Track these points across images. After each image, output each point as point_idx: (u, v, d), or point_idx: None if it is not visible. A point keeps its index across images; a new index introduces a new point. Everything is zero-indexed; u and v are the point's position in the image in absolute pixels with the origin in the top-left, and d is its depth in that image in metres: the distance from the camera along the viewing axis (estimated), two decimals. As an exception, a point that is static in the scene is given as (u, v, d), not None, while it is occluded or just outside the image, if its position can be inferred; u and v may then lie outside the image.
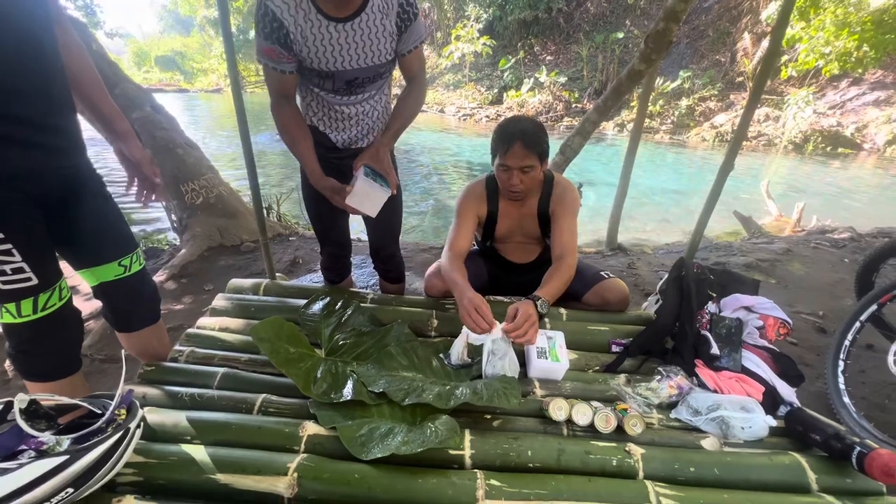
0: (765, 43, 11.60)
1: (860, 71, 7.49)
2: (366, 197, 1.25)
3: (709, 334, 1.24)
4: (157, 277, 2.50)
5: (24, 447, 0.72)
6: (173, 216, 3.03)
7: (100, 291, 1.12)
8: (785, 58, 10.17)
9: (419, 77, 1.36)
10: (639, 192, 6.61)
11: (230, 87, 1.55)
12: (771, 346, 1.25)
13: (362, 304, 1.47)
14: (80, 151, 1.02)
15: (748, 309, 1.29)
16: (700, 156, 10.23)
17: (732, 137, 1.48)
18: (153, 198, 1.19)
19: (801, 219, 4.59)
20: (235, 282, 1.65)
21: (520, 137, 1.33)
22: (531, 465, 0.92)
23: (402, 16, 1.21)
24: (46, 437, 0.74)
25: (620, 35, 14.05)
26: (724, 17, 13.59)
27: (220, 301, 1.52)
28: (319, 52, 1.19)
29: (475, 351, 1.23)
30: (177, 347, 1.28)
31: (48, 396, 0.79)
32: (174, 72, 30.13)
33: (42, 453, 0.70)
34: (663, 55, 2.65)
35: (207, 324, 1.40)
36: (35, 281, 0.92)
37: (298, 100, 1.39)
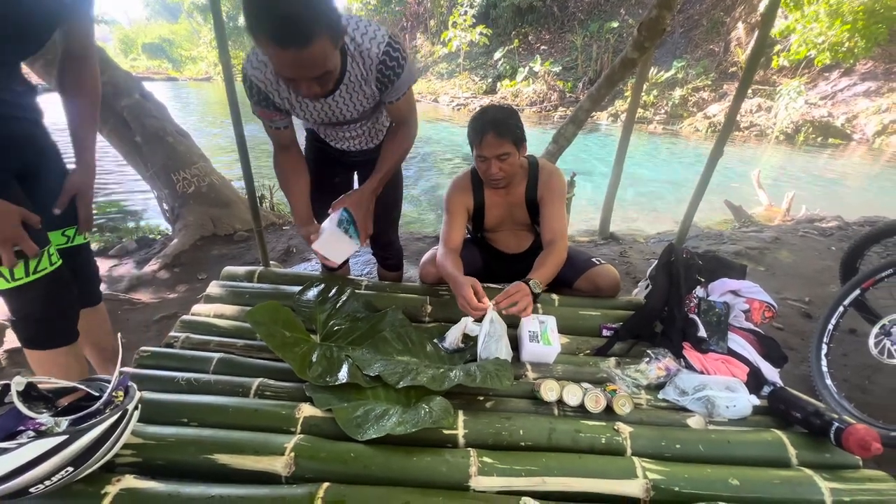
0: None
1: (851, 61, 7.54)
2: (332, 245, 1.27)
3: (697, 318, 1.27)
4: (150, 266, 2.49)
5: (22, 428, 0.73)
6: (165, 205, 3.00)
7: None
8: (778, 47, 10.19)
9: (409, 119, 1.33)
10: (632, 182, 6.64)
11: (220, 76, 1.54)
12: (756, 329, 1.29)
13: (357, 291, 1.48)
14: (41, 121, 1.08)
15: (735, 293, 1.32)
16: (693, 146, 10.28)
17: (722, 125, 1.50)
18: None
19: (791, 208, 4.65)
20: (229, 269, 1.65)
21: (491, 127, 1.34)
22: (523, 443, 0.94)
23: (383, 79, 1.17)
24: (45, 419, 0.74)
25: (615, 24, 13.99)
26: (719, 7, 13.57)
27: (214, 288, 1.52)
28: (304, 113, 1.25)
29: (470, 337, 1.26)
30: (172, 334, 1.28)
31: (45, 379, 0.80)
32: (162, 59, 29.54)
33: (41, 433, 0.71)
34: (656, 43, 2.65)
35: (202, 310, 1.41)
36: None
37: None
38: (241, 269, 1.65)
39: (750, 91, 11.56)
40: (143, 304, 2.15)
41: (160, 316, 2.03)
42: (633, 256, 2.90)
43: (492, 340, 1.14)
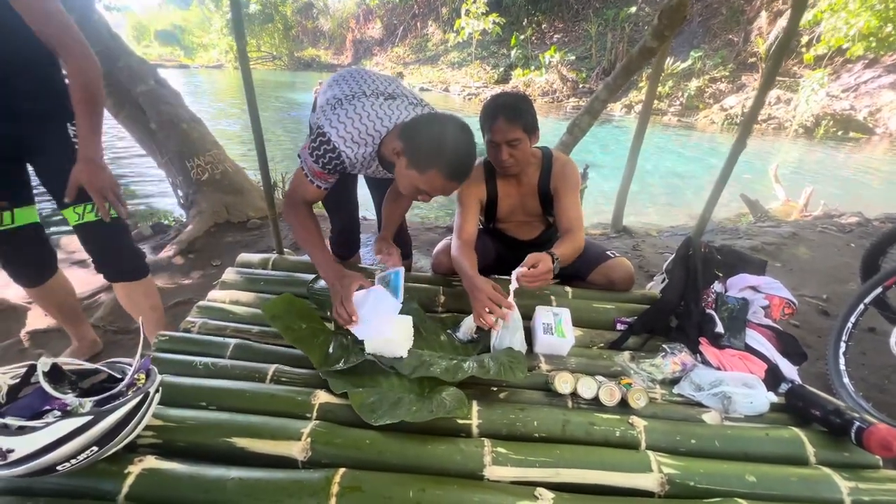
0: (781, 22, 11.26)
1: (881, 52, 7.24)
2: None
3: (714, 313, 1.26)
4: (165, 253, 2.53)
5: (48, 408, 0.75)
6: (179, 192, 3.03)
7: (76, 233, 1.29)
8: (804, 38, 9.86)
9: None
10: (645, 175, 6.54)
11: (231, 63, 1.55)
12: (775, 325, 1.27)
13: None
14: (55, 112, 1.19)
15: (754, 289, 1.30)
16: (708, 139, 10.08)
17: (745, 116, 1.46)
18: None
19: (809, 203, 4.55)
20: (244, 256, 1.67)
21: (502, 112, 1.33)
22: (537, 434, 0.94)
23: None
24: (70, 399, 0.76)
25: (633, 9, 13.62)
26: (739, -5, 13.17)
27: (229, 275, 1.54)
28: (357, 168, 1.27)
29: (483, 329, 1.26)
30: (189, 319, 1.30)
31: (69, 361, 0.82)
32: (174, 46, 29.59)
33: (67, 413, 0.73)
34: (676, 31, 2.59)
35: (218, 297, 1.42)
36: None
37: None
38: (255, 257, 1.66)
39: (769, 82, 11.25)
40: (159, 289, 2.18)
41: (175, 301, 2.06)
42: (645, 250, 2.87)
43: (507, 332, 1.14)
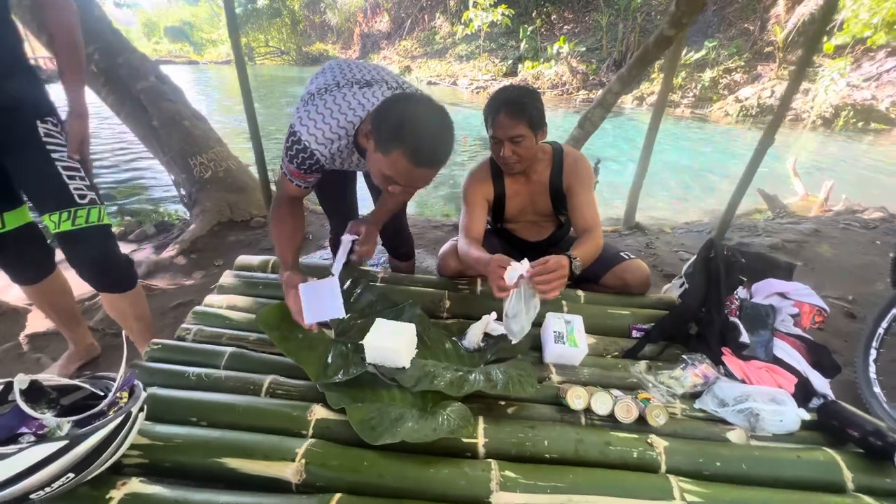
0: (800, 9, 10.90)
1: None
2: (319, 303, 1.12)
3: (738, 321, 1.17)
4: (168, 252, 2.49)
5: (24, 430, 0.70)
6: (182, 190, 2.99)
7: (57, 242, 1.25)
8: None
9: None
10: (657, 169, 6.36)
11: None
12: (805, 335, 1.18)
13: (373, 283, 1.42)
14: (23, 106, 1.14)
15: (782, 295, 1.22)
16: (722, 131, 9.82)
17: (777, 109, 1.36)
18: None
19: (830, 198, 4.38)
20: (243, 258, 1.61)
21: (504, 107, 1.26)
22: (547, 455, 0.88)
23: None
24: (47, 419, 0.71)
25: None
26: (756, -18, 12.75)
27: (227, 278, 1.49)
28: (337, 164, 1.21)
29: (491, 336, 1.20)
30: (184, 325, 1.25)
31: (48, 377, 0.77)
32: (184, 42, 29.72)
33: (41, 437, 0.68)
34: (694, 18, 2.47)
35: (215, 301, 1.37)
36: None
37: None
38: (255, 259, 1.61)
39: (785, 72, 10.91)
40: (161, 290, 2.15)
41: (177, 303, 2.03)
42: (659, 248, 2.76)
43: (520, 300, 1.06)
